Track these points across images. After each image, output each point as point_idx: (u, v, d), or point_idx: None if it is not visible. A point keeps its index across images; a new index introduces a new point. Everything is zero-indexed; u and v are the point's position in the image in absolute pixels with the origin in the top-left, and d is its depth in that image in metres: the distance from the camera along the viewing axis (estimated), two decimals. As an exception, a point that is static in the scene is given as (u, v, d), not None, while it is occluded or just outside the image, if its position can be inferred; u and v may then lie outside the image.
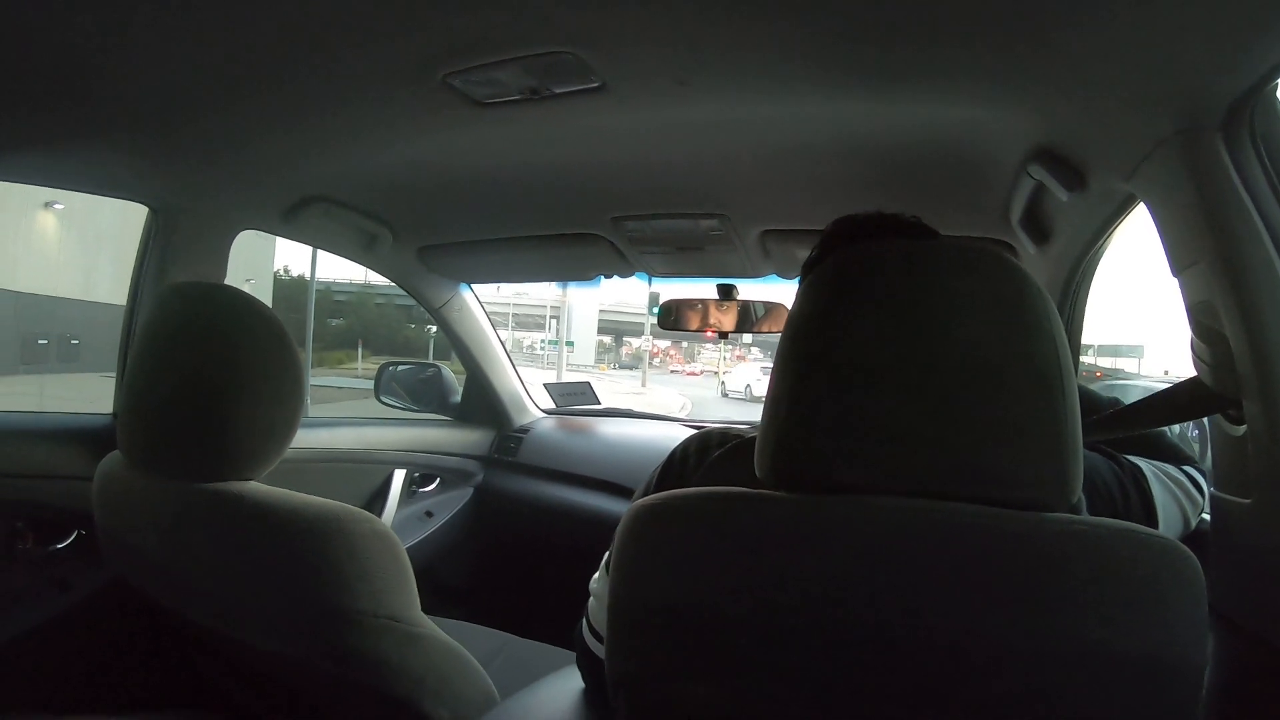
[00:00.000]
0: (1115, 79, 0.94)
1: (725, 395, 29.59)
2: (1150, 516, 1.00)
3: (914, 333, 0.68)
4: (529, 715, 1.17)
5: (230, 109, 1.26)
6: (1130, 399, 1.15)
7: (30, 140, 1.32)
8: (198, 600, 1.16)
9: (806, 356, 0.72)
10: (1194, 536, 1.10)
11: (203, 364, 1.07)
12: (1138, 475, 1.02)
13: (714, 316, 2.20)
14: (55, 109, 1.22)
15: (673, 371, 42.95)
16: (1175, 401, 1.06)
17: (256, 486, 1.09)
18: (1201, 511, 1.12)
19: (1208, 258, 0.89)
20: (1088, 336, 1.68)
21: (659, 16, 0.96)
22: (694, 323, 2.23)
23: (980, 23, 0.91)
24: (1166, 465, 1.10)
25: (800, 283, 1.09)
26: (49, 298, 15.83)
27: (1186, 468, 1.12)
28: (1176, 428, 1.40)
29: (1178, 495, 1.06)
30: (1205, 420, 1.20)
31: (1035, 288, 0.68)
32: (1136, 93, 0.94)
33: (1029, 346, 0.67)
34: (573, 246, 2.04)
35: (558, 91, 1.16)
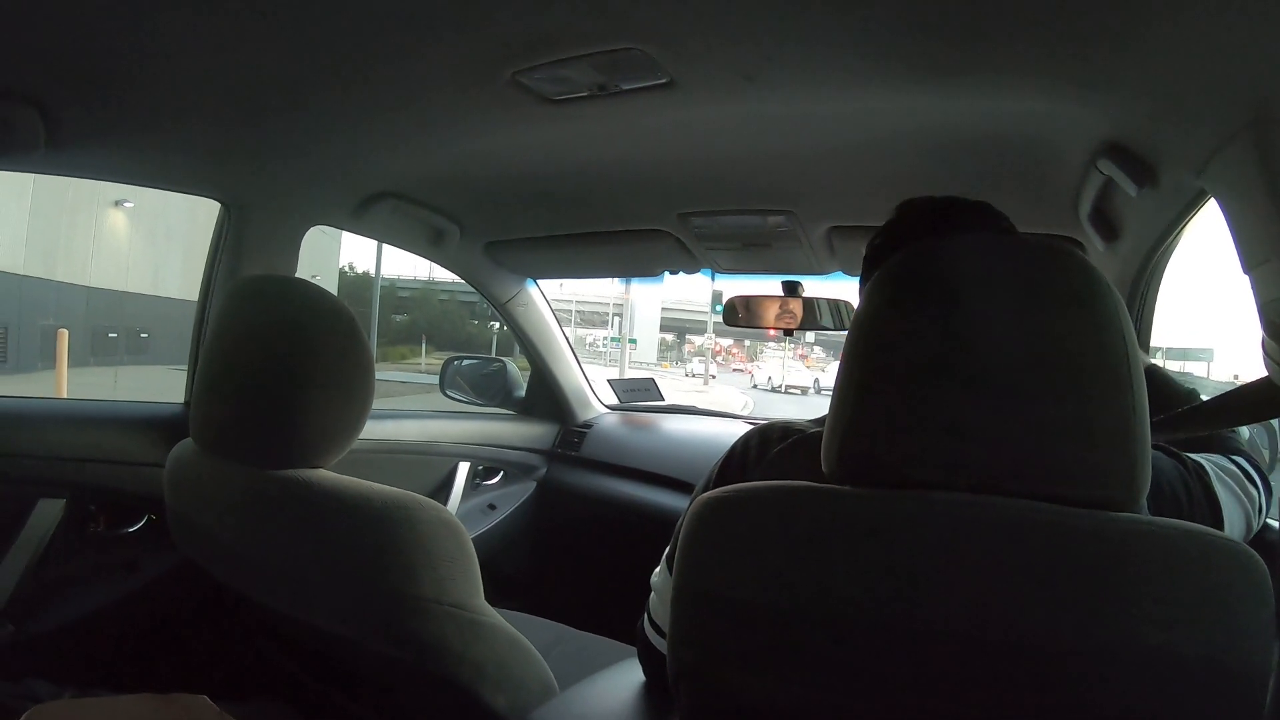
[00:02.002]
0: (1187, 71, 0.91)
1: (754, 387, 33.04)
2: (1215, 516, 0.97)
3: (982, 329, 0.68)
4: (588, 706, 1.17)
5: (303, 106, 1.28)
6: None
7: (107, 137, 1.35)
8: (265, 583, 1.19)
9: (874, 352, 0.72)
10: (1260, 541, 1.07)
11: (277, 354, 1.09)
12: (1201, 474, 0.99)
13: (779, 313, 2.18)
14: (132, 107, 1.25)
15: (735, 370, 42.77)
16: (1246, 402, 1.03)
17: (326, 474, 1.11)
18: (1262, 511, 1.09)
19: None
20: (1156, 338, 1.64)
21: (727, 12, 0.95)
22: (758, 319, 2.22)
23: (1052, 17, 0.90)
24: (1222, 459, 1.07)
25: (862, 272, 1.09)
26: (118, 293, 16.31)
27: (1236, 458, 1.09)
28: (1247, 431, 1.37)
29: (1240, 495, 1.03)
30: (1275, 423, 1.16)
31: (1105, 284, 0.68)
32: (1208, 84, 0.91)
33: (1099, 343, 0.66)
34: (639, 242, 2.04)
35: (626, 88, 1.16)
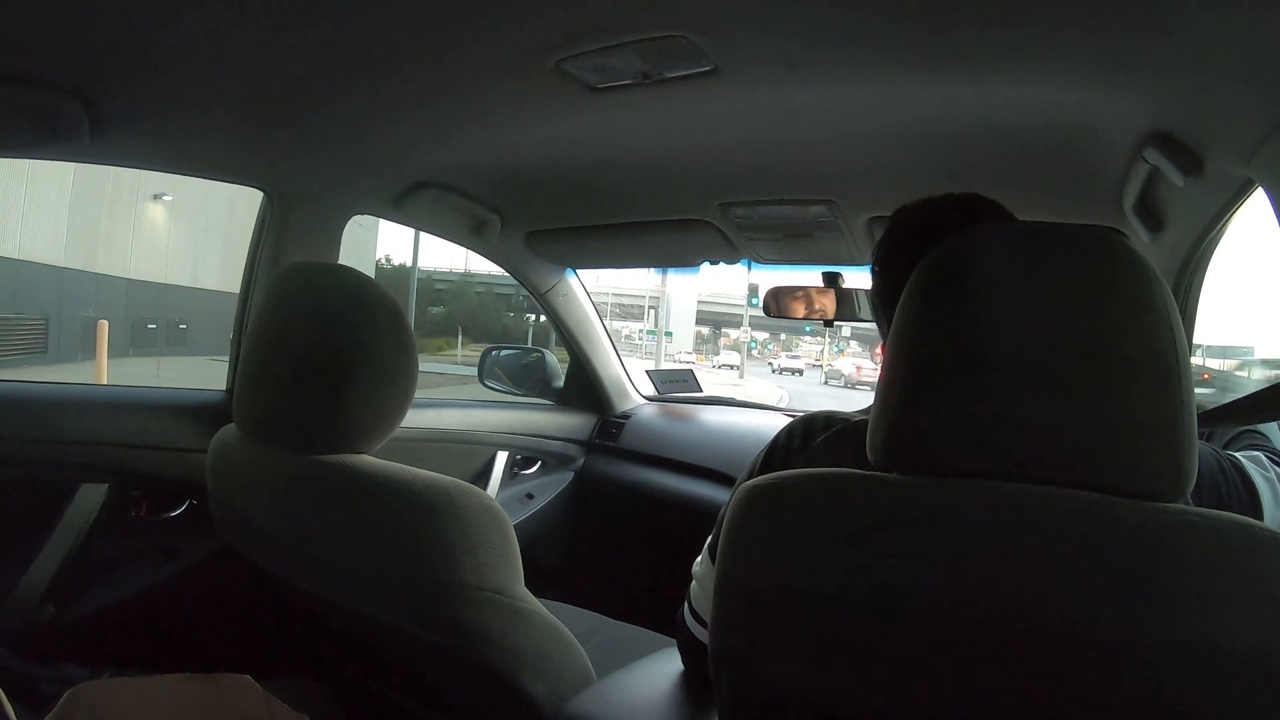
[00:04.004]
0: (1233, 58, 0.90)
1: (775, 371, 37.86)
2: (1255, 505, 0.96)
3: (1027, 318, 0.67)
4: (626, 695, 1.17)
5: (347, 96, 1.29)
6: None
7: (150, 127, 1.36)
8: (306, 567, 1.20)
9: (919, 343, 0.72)
10: None
11: (321, 341, 1.10)
12: (1235, 462, 0.99)
13: (818, 304, 2.16)
14: (175, 97, 1.26)
15: (769, 363, 43.36)
16: None
17: (370, 459, 1.12)
18: None
19: None
20: (1197, 336, 1.61)
21: (771, 1, 0.95)
22: (798, 311, 2.20)
23: (1098, 4, 0.89)
24: (1256, 454, 1.05)
25: (872, 266, 1.08)
26: (158, 284, 16.57)
27: (1268, 454, 1.07)
28: None
29: (1276, 483, 1.01)
30: None
31: (1152, 274, 0.67)
32: (1255, 71, 0.90)
33: (1146, 335, 0.65)
34: (680, 232, 2.04)
35: (669, 76, 1.16)
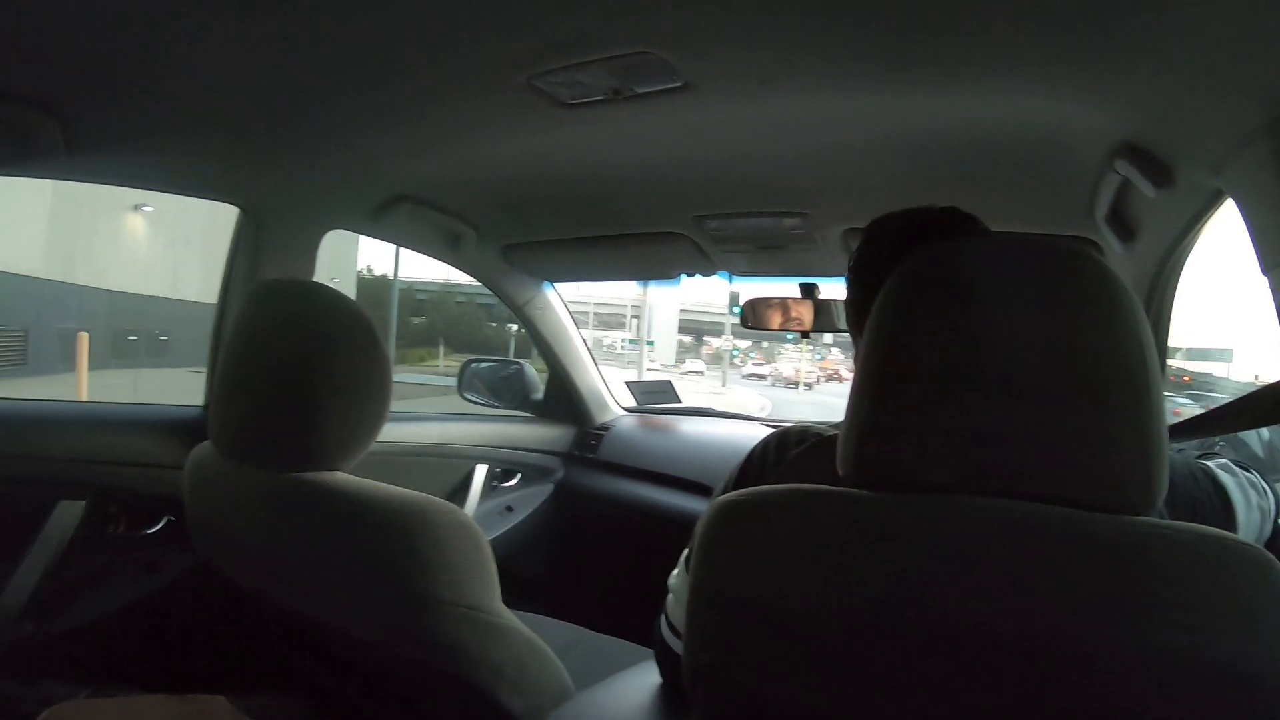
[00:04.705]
0: (1204, 71, 0.91)
1: (744, 377, 40.32)
2: (1228, 514, 0.97)
3: (998, 332, 0.67)
4: (604, 709, 1.17)
5: (320, 112, 1.29)
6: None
7: (125, 143, 1.36)
8: (283, 584, 1.20)
9: (889, 356, 0.72)
10: (1275, 546, 1.07)
11: (295, 358, 1.10)
12: (1208, 470, 1.00)
13: (795, 315, 2.16)
14: (150, 113, 1.26)
15: (747, 376, 44.44)
16: (1262, 405, 1.03)
17: (344, 477, 1.12)
18: (1269, 515, 1.08)
19: None
20: (1176, 339, 1.63)
21: (741, 17, 0.96)
22: (775, 321, 2.20)
23: (1068, 18, 0.90)
24: (1229, 464, 1.06)
25: (848, 280, 1.09)
26: (138, 296, 16.44)
27: (1242, 469, 1.09)
28: (1266, 433, 1.37)
29: (1250, 494, 1.02)
30: None
31: (1120, 286, 0.67)
32: (1225, 85, 0.91)
33: (1114, 346, 0.66)
34: (655, 245, 2.04)
35: (640, 92, 1.16)
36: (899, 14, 0.93)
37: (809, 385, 35.93)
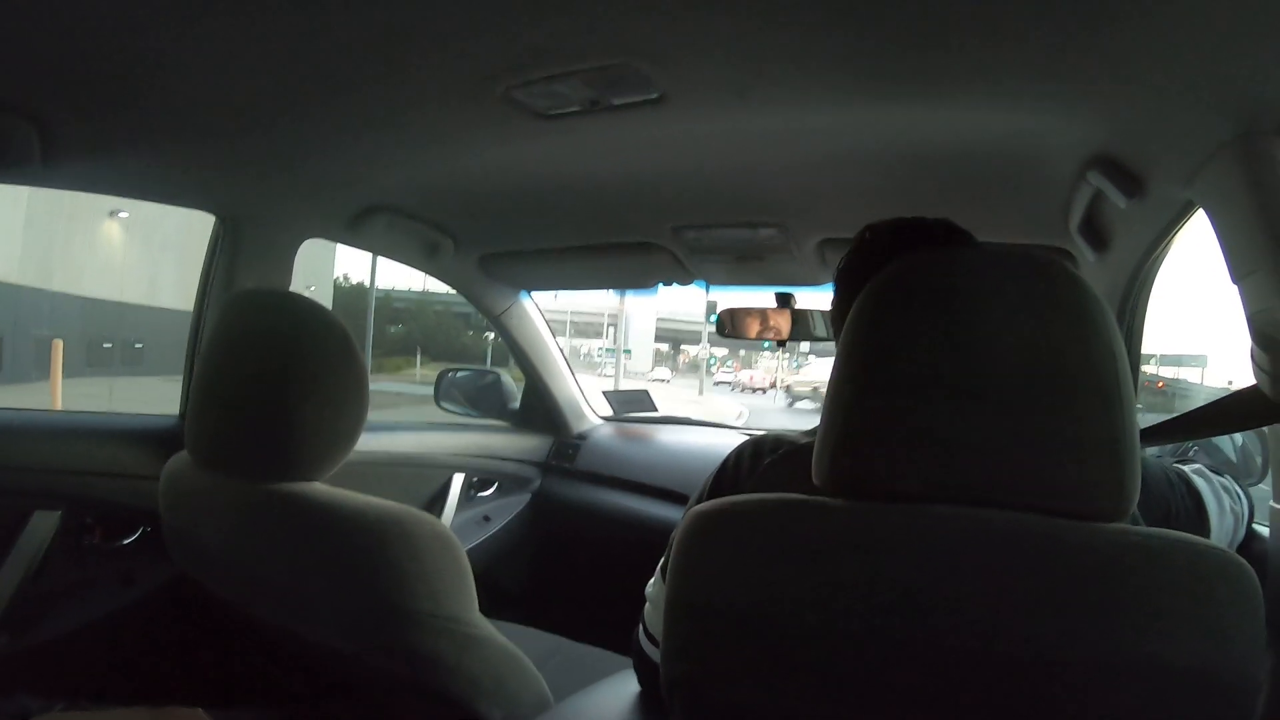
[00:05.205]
0: (1174, 85, 0.92)
1: (715, 385, 40.75)
2: (1201, 518, 0.98)
3: (972, 341, 0.68)
4: (583, 718, 1.18)
5: (297, 121, 1.29)
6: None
7: (102, 151, 1.35)
8: (260, 596, 1.19)
9: (864, 365, 0.73)
10: (1248, 551, 1.08)
11: (270, 368, 1.10)
12: (1181, 474, 1.01)
13: (771, 324, 2.17)
14: (127, 121, 1.25)
15: (719, 383, 44.83)
16: (1234, 411, 1.05)
17: (321, 487, 1.12)
18: (1242, 520, 1.10)
19: (1267, 265, 0.87)
20: (1150, 346, 1.65)
21: (719, 29, 0.96)
22: (751, 330, 2.21)
23: (1040, 32, 0.90)
24: (1203, 469, 1.08)
25: (835, 286, 1.10)
26: (114, 303, 16.29)
27: (1216, 474, 1.10)
28: (1239, 439, 1.38)
29: (1223, 497, 1.04)
30: (1266, 430, 1.18)
31: (1092, 295, 0.68)
32: (1195, 97, 0.92)
33: (1087, 355, 0.67)
34: (633, 255, 2.04)
35: (617, 103, 1.16)
36: (874, 29, 0.94)
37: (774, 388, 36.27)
